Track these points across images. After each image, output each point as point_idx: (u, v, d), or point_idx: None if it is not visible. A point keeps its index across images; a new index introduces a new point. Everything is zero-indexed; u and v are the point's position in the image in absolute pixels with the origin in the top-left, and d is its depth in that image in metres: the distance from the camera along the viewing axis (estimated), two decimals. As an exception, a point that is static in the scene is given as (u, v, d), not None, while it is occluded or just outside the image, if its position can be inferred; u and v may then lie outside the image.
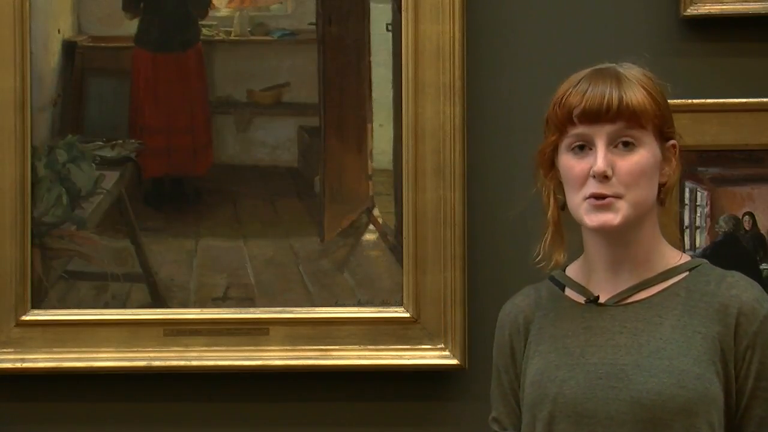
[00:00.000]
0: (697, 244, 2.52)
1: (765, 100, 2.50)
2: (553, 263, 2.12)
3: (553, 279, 2.17)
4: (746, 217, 2.51)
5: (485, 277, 2.54)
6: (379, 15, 2.58)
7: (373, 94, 2.59)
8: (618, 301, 2.07)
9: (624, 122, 2.01)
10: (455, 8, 2.53)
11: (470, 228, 2.55)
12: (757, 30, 2.52)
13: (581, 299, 2.10)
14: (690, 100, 2.50)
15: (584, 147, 2.03)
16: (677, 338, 2.01)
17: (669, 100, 2.49)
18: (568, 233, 2.11)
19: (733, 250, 2.51)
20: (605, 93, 2.01)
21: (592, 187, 2.01)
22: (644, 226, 2.06)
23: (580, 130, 2.02)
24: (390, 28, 2.58)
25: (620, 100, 2.01)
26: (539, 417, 2.05)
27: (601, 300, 2.08)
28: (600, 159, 2.00)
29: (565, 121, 2.03)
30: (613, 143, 2.01)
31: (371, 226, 2.60)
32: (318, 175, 2.60)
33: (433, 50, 2.54)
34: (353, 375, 2.57)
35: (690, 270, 2.08)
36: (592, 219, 2.02)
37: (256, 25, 2.61)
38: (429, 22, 2.54)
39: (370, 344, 2.56)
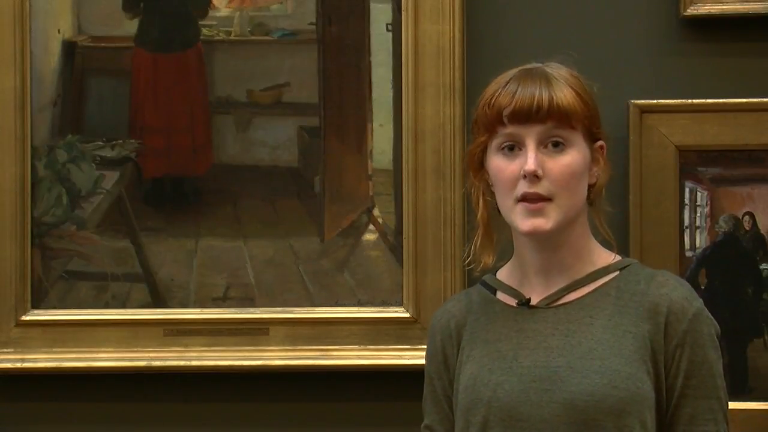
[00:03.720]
0: (697, 244, 2.52)
1: (765, 100, 2.50)
2: (482, 265, 2.13)
3: (483, 283, 2.18)
4: (746, 217, 2.51)
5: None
6: (379, 15, 2.58)
7: (373, 94, 2.59)
8: (549, 302, 2.08)
9: (554, 122, 2.02)
10: (455, 8, 2.53)
11: (470, 228, 2.55)
12: (757, 30, 2.52)
13: (513, 302, 2.11)
14: (690, 100, 2.51)
15: (514, 148, 2.04)
16: (608, 338, 2.02)
17: (669, 100, 2.52)
18: (497, 234, 2.13)
19: (733, 250, 2.51)
20: (535, 93, 2.02)
21: (524, 187, 2.02)
22: (575, 228, 2.07)
23: (510, 130, 2.04)
24: (390, 28, 2.58)
25: (550, 100, 2.02)
26: (473, 422, 2.05)
27: (533, 302, 2.09)
28: (530, 159, 2.01)
29: (494, 121, 2.04)
30: (542, 143, 2.03)
31: (371, 226, 2.60)
32: (318, 175, 2.60)
33: (433, 50, 2.54)
34: (353, 375, 2.57)
35: (620, 270, 2.10)
36: (525, 223, 2.03)
37: (256, 25, 2.61)
38: (429, 22, 2.54)
39: (370, 344, 2.56)
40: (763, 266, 2.52)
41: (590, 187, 2.09)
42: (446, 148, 2.54)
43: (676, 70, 2.54)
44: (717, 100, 2.50)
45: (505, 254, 2.17)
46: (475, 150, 2.10)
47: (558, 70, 2.07)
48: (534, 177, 2.01)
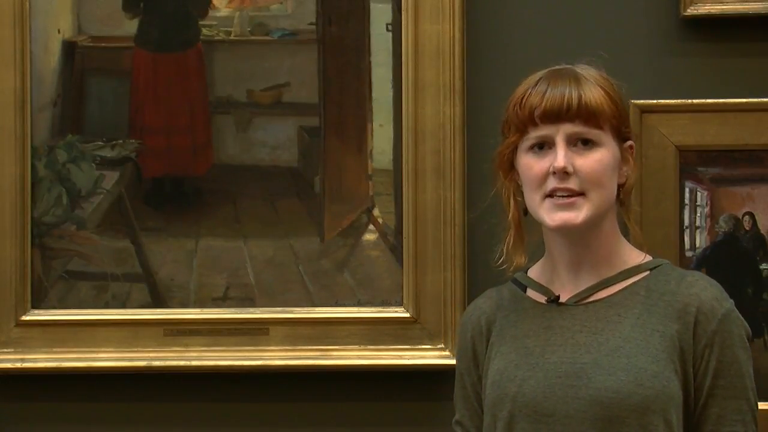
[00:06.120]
0: (697, 244, 2.52)
1: (765, 100, 2.50)
2: (514, 265, 2.14)
3: (515, 281, 2.19)
4: (746, 217, 2.52)
5: (485, 277, 2.54)
6: (379, 15, 2.58)
7: (373, 94, 2.59)
8: (578, 300, 2.09)
9: (583, 121, 2.04)
10: (455, 8, 2.53)
11: (470, 228, 2.55)
12: (757, 30, 2.52)
13: (542, 299, 2.12)
14: (690, 100, 2.51)
15: (543, 146, 2.05)
16: (636, 336, 2.03)
17: (669, 100, 2.52)
18: (529, 235, 2.14)
19: (733, 250, 2.51)
20: (565, 93, 2.04)
21: (553, 183, 2.03)
22: (604, 226, 2.08)
23: (540, 129, 2.04)
24: (390, 28, 2.58)
25: (579, 99, 2.03)
26: (500, 417, 2.06)
27: (562, 299, 2.09)
28: (560, 156, 2.02)
29: (525, 121, 2.05)
30: (572, 142, 2.04)
31: (371, 226, 2.60)
32: (318, 175, 2.60)
33: (433, 50, 2.54)
34: (353, 375, 2.57)
35: (651, 269, 2.10)
36: (553, 218, 2.04)
37: (256, 25, 2.61)
38: (429, 22, 2.54)
39: (370, 344, 2.56)
40: (763, 266, 2.52)
41: (620, 187, 2.10)
42: (446, 148, 2.54)
43: (676, 70, 2.54)
44: (717, 100, 2.50)
45: (538, 255, 2.17)
46: (505, 150, 2.11)
47: (587, 71, 2.09)
48: (564, 174, 2.02)
